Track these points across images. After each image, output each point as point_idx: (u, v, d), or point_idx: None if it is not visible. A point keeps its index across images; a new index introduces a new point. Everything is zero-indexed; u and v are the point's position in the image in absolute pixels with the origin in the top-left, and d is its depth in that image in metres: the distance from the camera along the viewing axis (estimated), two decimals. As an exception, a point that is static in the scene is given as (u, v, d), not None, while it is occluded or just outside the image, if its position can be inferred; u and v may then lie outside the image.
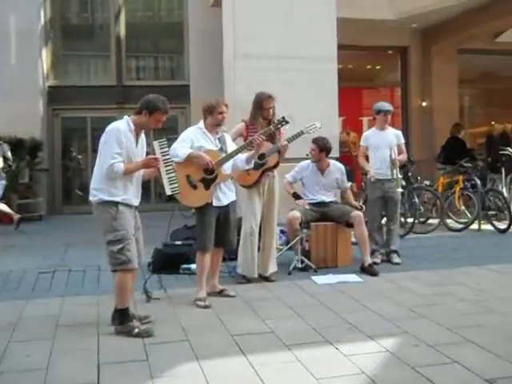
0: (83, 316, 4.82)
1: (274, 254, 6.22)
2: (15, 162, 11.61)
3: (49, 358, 3.85)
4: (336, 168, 6.87)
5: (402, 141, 7.16)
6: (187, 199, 5.21)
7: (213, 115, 5.32)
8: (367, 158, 7.20)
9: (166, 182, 4.58)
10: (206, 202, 5.23)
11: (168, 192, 4.62)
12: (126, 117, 4.45)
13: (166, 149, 4.55)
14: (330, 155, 6.92)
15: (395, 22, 12.93)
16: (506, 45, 14.24)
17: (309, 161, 6.86)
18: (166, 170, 4.55)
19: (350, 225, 6.63)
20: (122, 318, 4.35)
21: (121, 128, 4.30)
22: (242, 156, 5.46)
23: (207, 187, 5.26)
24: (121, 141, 4.27)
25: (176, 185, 4.61)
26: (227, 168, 5.37)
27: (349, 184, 7.08)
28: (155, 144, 4.49)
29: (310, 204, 6.75)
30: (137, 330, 4.26)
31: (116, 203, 4.31)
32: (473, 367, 3.53)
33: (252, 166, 5.59)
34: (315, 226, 6.70)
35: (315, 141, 6.63)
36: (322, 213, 6.75)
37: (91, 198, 4.41)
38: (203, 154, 5.22)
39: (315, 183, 6.82)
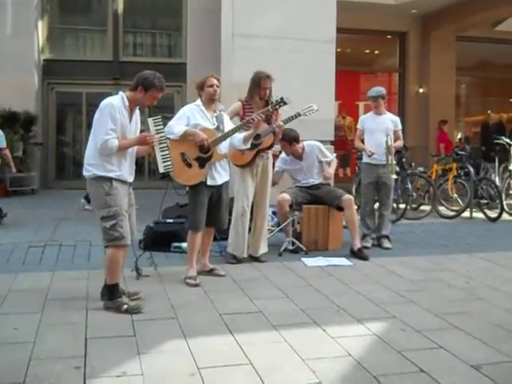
0: (72, 290, 4.82)
1: (266, 234, 6.23)
2: (9, 135, 11.56)
3: (37, 331, 3.85)
4: (311, 147, 6.81)
5: (399, 127, 7.12)
6: (181, 177, 5.19)
7: (203, 90, 5.29)
8: (363, 142, 7.17)
9: (159, 159, 4.56)
10: (199, 180, 5.21)
11: (161, 170, 4.60)
12: (120, 92, 4.41)
13: (161, 126, 4.51)
14: (325, 138, 6.89)
15: (395, 7, 12.87)
16: (504, 34, 14.22)
17: (283, 154, 6.87)
18: (160, 148, 4.53)
19: (340, 208, 6.64)
20: (111, 293, 4.36)
21: (115, 104, 4.26)
22: (240, 135, 5.43)
23: (202, 166, 5.23)
24: (115, 117, 4.23)
25: (169, 163, 4.59)
26: (223, 147, 5.35)
27: (333, 155, 7.03)
28: (150, 121, 4.46)
29: (302, 187, 6.76)
30: (125, 307, 4.27)
31: (110, 179, 4.29)
32: (459, 353, 3.55)
33: (249, 145, 5.57)
34: (307, 209, 6.70)
35: (282, 138, 6.44)
36: (313, 195, 6.75)
37: (85, 174, 4.38)
38: (199, 132, 5.19)
39: (299, 171, 6.84)
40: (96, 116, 4.32)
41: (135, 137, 4.43)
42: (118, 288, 4.41)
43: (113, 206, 4.27)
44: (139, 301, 4.48)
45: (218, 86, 5.30)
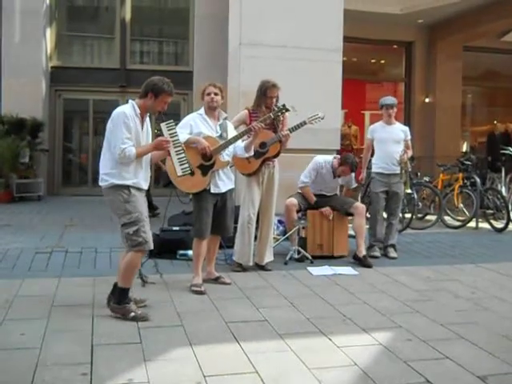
0: (78, 297, 4.83)
1: (271, 243, 6.23)
2: (16, 142, 11.61)
3: (43, 337, 3.86)
4: (350, 175, 6.93)
5: (409, 136, 7.15)
6: (184, 185, 5.18)
7: (203, 98, 5.32)
8: (373, 152, 7.19)
9: (176, 163, 4.58)
10: (202, 188, 5.22)
11: (179, 173, 4.62)
12: (130, 101, 4.43)
13: (174, 130, 4.52)
14: (331, 147, 6.92)
15: (401, 17, 12.90)
16: (511, 44, 14.22)
17: (325, 161, 6.84)
18: (176, 151, 4.54)
19: (349, 214, 6.67)
20: (121, 297, 4.34)
21: (127, 112, 4.29)
22: (242, 144, 5.44)
23: (204, 173, 5.24)
24: (129, 125, 4.26)
25: (187, 165, 4.60)
26: (226, 155, 5.35)
27: (354, 185, 7.13)
28: (163, 126, 4.46)
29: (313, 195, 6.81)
30: (133, 314, 4.27)
31: (127, 186, 4.31)
32: (464, 363, 3.55)
33: (252, 153, 5.58)
34: (312, 214, 6.71)
35: (346, 161, 6.65)
36: (321, 201, 6.79)
37: (101, 184, 4.40)
38: (201, 140, 5.20)
39: (324, 183, 6.85)
40: (109, 126, 4.34)
41: (151, 143, 4.46)
42: (128, 293, 4.40)
43: (133, 212, 4.29)
44: (146, 308, 4.49)
45: (216, 94, 5.29)
